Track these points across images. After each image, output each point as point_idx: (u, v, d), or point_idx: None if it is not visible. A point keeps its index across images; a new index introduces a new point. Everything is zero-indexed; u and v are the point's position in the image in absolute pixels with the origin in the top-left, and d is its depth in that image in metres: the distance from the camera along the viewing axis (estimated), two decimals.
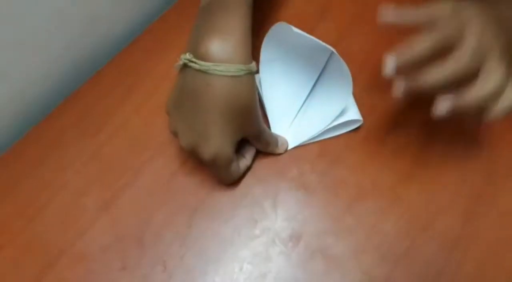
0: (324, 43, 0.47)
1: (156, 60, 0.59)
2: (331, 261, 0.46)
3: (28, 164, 0.53)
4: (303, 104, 0.53)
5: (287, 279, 0.45)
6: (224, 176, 0.48)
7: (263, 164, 0.51)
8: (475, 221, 0.47)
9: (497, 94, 0.39)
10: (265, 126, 0.49)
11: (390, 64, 0.40)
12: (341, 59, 0.47)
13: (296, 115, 0.53)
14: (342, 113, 0.50)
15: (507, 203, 0.48)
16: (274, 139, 0.50)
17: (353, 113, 0.51)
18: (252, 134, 0.47)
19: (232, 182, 0.49)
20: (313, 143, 0.51)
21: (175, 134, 0.46)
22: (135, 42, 0.61)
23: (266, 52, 0.51)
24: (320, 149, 0.51)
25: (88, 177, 0.51)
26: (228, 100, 0.42)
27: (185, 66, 0.43)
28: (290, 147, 0.51)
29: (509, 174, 0.49)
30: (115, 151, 0.53)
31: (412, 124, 0.52)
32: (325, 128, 0.50)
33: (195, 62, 0.41)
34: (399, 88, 0.41)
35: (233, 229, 0.48)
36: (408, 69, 0.40)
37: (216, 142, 0.43)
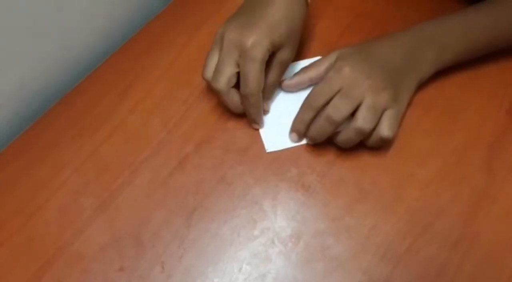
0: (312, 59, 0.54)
1: (153, 60, 0.58)
2: (330, 261, 0.46)
3: (26, 163, 0.52)
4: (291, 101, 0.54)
5: (286, 280, 0.45)
6: (252, 77, 0.47)
7: (262, 164, 0.51)
8: (476, 221, 0.47)
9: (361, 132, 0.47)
10: None
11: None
12: None
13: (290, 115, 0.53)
14: None
15: (507, 204, 0.48)
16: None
17: None
18: (284, 53, 0.50)
19: (253, 92, 0.48)
20: (312, 143, 0.51)
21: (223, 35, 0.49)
22: (132, 41, 0.61)
23: None
24: (319, 149, 0.51)
25: (86, 176, 0.51)
26: (283, 16, 0.48)
27: None
28: (284, 147, 0.52)
29: (509, 174, 0.49)
30: (112, 150, 0.53)
31: (412, 124, 0.52)
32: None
33: None
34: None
35: (232, 229, 0.47)
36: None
37: (260, 34, 0.47)
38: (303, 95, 0.50)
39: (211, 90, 0.53)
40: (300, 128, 0.50)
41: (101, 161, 0.52)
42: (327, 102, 0.48)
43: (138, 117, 0.54)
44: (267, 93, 0.52)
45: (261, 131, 0.52)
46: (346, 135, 0.48)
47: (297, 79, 0.53)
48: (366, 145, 0.49)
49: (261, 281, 0.45)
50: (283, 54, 0.50)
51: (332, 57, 0.51)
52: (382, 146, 0.50)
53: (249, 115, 0.51)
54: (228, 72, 0.48)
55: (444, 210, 0.48)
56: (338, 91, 0.47)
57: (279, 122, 0.53)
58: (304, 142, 0.51)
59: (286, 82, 0.54)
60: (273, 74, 0.51)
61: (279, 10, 0.48)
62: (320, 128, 0.48)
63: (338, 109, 0.47)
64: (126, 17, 0.63)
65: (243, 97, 0.49)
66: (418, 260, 0.45)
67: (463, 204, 0.48)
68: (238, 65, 0.48)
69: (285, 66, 0.52)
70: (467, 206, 0.48)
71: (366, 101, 0.46)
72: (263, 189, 0.49)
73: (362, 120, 0.46)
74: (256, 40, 0.46)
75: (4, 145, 0.54)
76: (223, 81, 0.48)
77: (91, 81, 0.58)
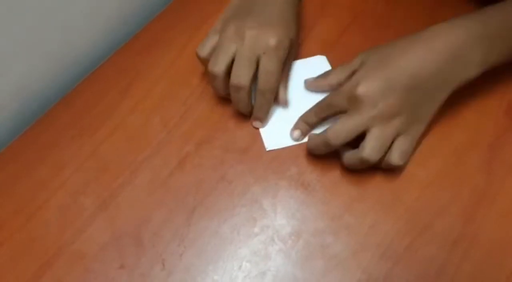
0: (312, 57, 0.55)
1: (154, 59, 0.59)
2: (330, 259, 0.46)
3: (26, 162, 0.52)
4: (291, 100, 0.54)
5: (286, 278, 0.45)
6: (274, 68, 0.48)
7: (262, 163, 0.51)
8: (475, 221, 0.47)
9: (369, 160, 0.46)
10: None
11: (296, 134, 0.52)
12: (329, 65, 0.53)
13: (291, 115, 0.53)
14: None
15: (507, 203, 0.48)
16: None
17: None
18: (294, 51, 0.53)
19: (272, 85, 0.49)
20: None
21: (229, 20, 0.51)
22: (132, 41, 0.61)
23: None
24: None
25: (86, 175, 0.51)
26: (291, 14, 0.50)
27: None
28: (284, 146, 0.52)
29: (509, 174, 0.49)
30: (113, 149, 0.53)
31: None
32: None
33: None
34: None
35: (232, 227, 0.47)
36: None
37: (282, 34, 0.48)
38: (305, 95, 0.50)
39: (208, 87, 0.54)
40: (302, 128, 0.51)
41: (101, 161, 0.52)
42: (336, 113, 0.48)
43: (138, 117, 0.55)
44: (286, 88, 0.54)
45: (261, 129, 0.53)
46: (351, 161, 0.47)
47: (318, 82, 0.53)
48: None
49: (261, 278, 0.45)
50: (293, 52, 0.52)
51: (356, 63, 0.49)
52: (394, 170, 0.49)
53: (257, 113, 0.51)
54: (227, 59, 0.48)
55: (443, 209, 0.48)
56: (347, 109, 0.46)
57: (279, 121, 0.53)
58: (305, 140, 0.51)
59: (309, 82, 0.54)
60: (286, 71, 0.52)
61: (286, 10, 0.50)
62: (316, 146, 0.48)
63: (337, 134, 0.46)
64: (127, 17, 0.63)
65: (260, 93, 0.49)
66: (417, 259, 0.45)
67: (463, 204, 0.48)
68: (234, 57, 0.48)
69: (292, 63, 0.54)
70: (466, 206, 0.48)
71: (373, 130, 0.45)
72: (263, 187, 0.49)
73: (369, 151, 0.45)
74: (281, 40, 0.48)
75: (4, 144, 0.54)
76: (222, 67, 0.48)
77: (91, 81, 0.58)
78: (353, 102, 0.45)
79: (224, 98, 0.54)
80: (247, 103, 0.50)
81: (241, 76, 0.48)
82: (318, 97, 0.51)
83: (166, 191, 0.50)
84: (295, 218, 0.48)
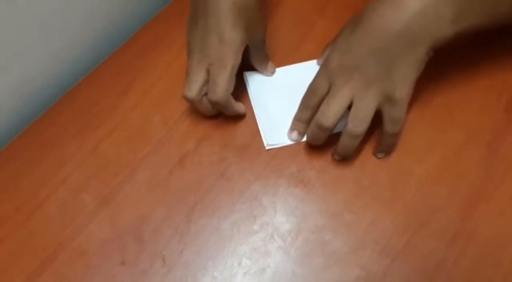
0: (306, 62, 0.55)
1: (154, 58, 0.59)
2: (329, 256, 0.46)
3: (27, 160, 0.53)
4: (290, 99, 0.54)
5: (285, 274, 0.45)
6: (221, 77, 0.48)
7: (262, 161, 0.51)
8: (473, 217, 0.47)
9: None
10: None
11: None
12: None
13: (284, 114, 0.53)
14: None
15: (505, 200, 0.48)
16: (268, 57, 0.55)
17: None
18: (256, 39, 0.51)
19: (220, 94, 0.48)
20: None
21: (189, 46, 0.50)
22: (133, 39, 0.61)
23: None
24: (318, 146, 0.51)
25: (87, 173, 0.51)
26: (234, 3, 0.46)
27: None
28: (283, 144, 0.52)
29: (507, 171, 0.49)
30: (113, 147, 0.53)
31: (410, 121, 0.52)
32: None
33: None
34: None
35: (232, 224, 0.48)
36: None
37: (227, 33, 0.47)
38: (303, 90, 0.50)
39: None
40: (299, 128, 0.51)
41: (102, 158, 0.52)
42: (323, 97, 0.47)
43: (138, 115, 0.55)
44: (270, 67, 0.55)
45: (260, 127, 0.53)
46: (342, 142, 0.47)
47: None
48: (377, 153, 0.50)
49: (260, 275, 0.45)
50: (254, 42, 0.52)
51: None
52: (393, 144, 0.50)
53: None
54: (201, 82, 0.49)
55: (441, 206, 0.48)
56: (329, 89, 0.46)
57: (278, 118, 0.53)
58: (304, 138, 0.51)
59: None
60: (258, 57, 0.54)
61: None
62: (314, 134, 0.48)
63: (326, 115, 0.46)
64: (127, 16, 0.64)
65: (212, 104, 0.50)
66: (415, 255, 0.46)
67: (461, 201, 0.48)
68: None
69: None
70: (464, 203, 0.48)
71: (355, 101, 0.45)
72: (263, 185, 0.50)
73: (353, 123, 0.45)
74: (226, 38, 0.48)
75: (6, 142, 0.54)
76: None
77: (92, 80, 0.58)
78: (331, 79, 0.46)
79: None
80: (211, 109, 0.51)
81: (191, 90, 0.49)
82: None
83: (166, 188, 0.50)
84: (294, 215, 0.48)
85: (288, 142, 0.52)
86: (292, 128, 0.52)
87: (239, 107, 0.52)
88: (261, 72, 0.55)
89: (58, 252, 0.47)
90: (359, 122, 0.45)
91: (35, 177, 0.52)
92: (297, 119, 0.51)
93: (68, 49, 0.59)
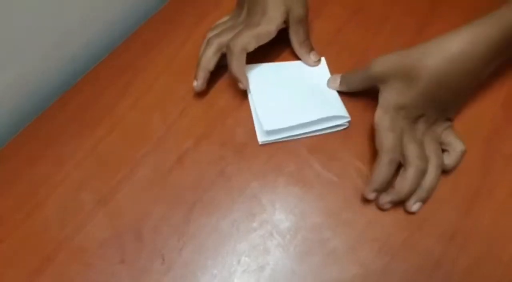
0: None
1: (154, 55, 0.59)
2: (328, 254, 0.46)
3: (26, 158, 0.53)
4: (289, 91, 0.54)
5: (284, 272, 0.45)
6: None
7: (261, 159, 0.51)
8: (472, 214, 0.47)
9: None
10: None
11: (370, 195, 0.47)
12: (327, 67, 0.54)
13: (281, 99, 0.53)
14: (327, 109, 0.51)
15: (504, 197, 0.48)
16: (309, 42, 0.56)
17: (338, 110, 0.52)
18: (298, 14, 0.53)
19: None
20: (310, 137, 0.52)
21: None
22: (133, 37, 0.61)
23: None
24: (317, 144, 0.51)
25: (86, 171, 0.52)
26: None
27: None
28: (271, 128, 0.51)
29: (505, 167, 0.50)
30: (112, 146, 0.53)
31: None
32: (308, 120, 0.51)
33: None
34: (385, 204, 0.47)
35: (231, 223, 0.48)
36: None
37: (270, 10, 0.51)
38: (302, 93, 0.50)
39: (207, 84, 0.54)
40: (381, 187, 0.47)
41: (101, 157, 0.52)
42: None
43: (137, 113, 0.55)
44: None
45: (255, 123, 0.53)
46: (406, 186, 0.46)
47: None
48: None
49: (259, 273, 0.45)
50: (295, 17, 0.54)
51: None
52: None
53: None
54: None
55: (440, 203, 0.48)
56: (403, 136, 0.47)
57: (275, 103, 0.52)
58: (300, 132, 0.51)
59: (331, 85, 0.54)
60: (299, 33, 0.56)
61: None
62: (413, 180, 0.46)
63: (403, 184, 0.46)
64: (126, 14, 0.64)
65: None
66: (414, 253, 0.46)
67: (460, 197, 0.48)
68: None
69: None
70: (463, 199, 0.48)
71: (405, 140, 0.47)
72: (262, 183, 0.50)
73: (414, 161, 0.46)
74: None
75: (4, 141, 0.54)
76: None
77: (91, 78, 0.58)
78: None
79: (224, 94, 0.54)
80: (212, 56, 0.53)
81: (217, 27, 0.56)
82: (317, 98, 0.52)
83: (165, 187, 0.50)
84: (293, 213, 0.48)
85: (286, 124, 0.51)
86: (371, 190, 0.47)
87: (244, 74, 0.52)
88: (304, 62, 0.56)
89: (57, 251, 0.47)
90: (418, 158, 0.46)
91: (34, 176, 0.52)
92: (379, 180, 0.46)
93: (67, 47, 0.59)
